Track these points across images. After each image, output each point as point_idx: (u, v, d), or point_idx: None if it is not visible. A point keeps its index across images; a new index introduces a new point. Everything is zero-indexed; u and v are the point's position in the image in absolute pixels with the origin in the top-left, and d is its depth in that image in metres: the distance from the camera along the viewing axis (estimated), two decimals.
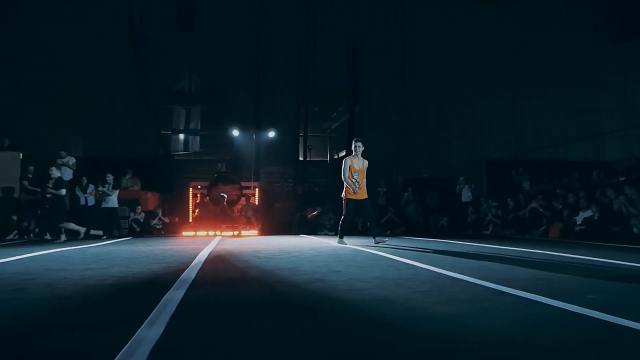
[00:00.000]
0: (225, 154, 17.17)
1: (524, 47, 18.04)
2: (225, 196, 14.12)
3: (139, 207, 13.73)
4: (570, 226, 11.34)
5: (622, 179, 12.32)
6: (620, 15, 18.52)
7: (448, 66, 17.60)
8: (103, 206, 12.09)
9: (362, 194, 8.48)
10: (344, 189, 8.53)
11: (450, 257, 6.27)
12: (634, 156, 13.51)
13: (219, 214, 13.82)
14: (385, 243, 8.42)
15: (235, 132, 16.60)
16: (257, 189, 15.18)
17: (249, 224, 13.62)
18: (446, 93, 17.73)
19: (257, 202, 14.82)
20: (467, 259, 5.95)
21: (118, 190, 12.32)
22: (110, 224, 12.22)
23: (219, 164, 15.37)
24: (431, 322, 2.53)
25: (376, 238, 8.48)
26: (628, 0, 18.46)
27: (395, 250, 7.31)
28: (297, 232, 13.66)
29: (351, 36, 17.03)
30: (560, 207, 12.30)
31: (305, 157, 17.54)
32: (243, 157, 16.63)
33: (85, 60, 15.99)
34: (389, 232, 13.53)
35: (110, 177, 12.06)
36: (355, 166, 8.42)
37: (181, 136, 17.56)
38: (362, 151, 8.48)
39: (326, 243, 9.30)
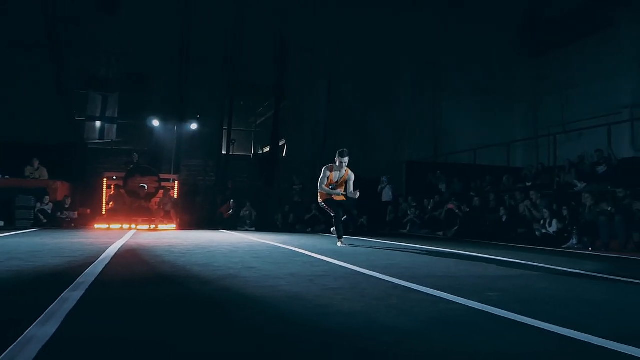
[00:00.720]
0: (144, 145, 16.46)
1: (445, 55, 18.80)
2: (146, 187, 13.60)
3: (47, 197, 12.90)
4: (480, 227, 11.93)
5: (528, 184, 13.13)
6: (534, 33, 19.89)
7: (373, 68, 17.97)
8: None
9: (340, 198, 7.91)
10: (318, 195, 7.99)
11: (366, 254, 6.39)
12: (540, 163, 14.47)
13: (134, 206, 13.28)
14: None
15: (156, 122, 15.94)
16: (177, 182, 14.73)
17: (167, 218, 13.19)
18: (371, 94, 18.09)
19: (176, 196, 14.38)
20: (381, 257, 6.08)
21: None
22: None
23: (134, 154, 14.72)
24: (338, 319, 2.55)
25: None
26: (541, 19, 19.85)
27: (314, 247, 7.35)
28: (217, 227, 13.41)
29: (279, 32, 16.93)
30: (468, 209, 12.90)
31: (228, 151, 17.24)
32: (163, 148, 16.02)
33: None
34: (309, 229, 13.62)
35: None
36: (333, 178, 7.79)
37: (97, 124, 16.65)
38: (348, 162, 7.74)
39: (245, 238, 9.19)
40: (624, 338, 2.23)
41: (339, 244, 7.74)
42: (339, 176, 7.80)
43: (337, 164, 7.70)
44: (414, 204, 14.72)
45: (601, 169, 11.64)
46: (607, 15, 16.88)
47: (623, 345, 2.11)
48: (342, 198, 7.82)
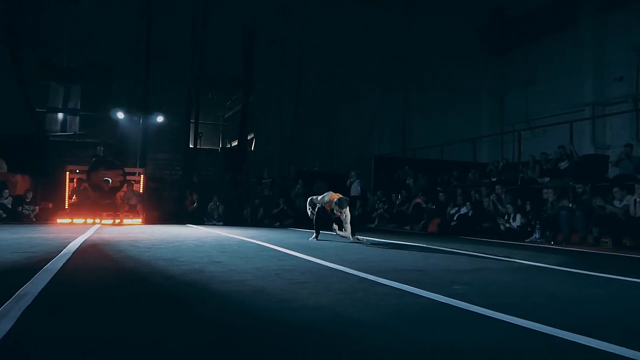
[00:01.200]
0: (109, 137, 16.06)
1: (413, 52, 18.94)
2: (110, 180, 13.28)
3: (6, 191, 12.46)
4: (447, 221, 12.10)
5: (493, 179, 13.37)
6: (499, 32, 20.29)
7: (342, 63, 17.98)
8: None
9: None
10: (309, 211, 8.12)
11: (333, 248, 6.39)
12: (505, 159, 14.75)
13: (98, 200, 12.96)
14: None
15: (120, 115, 15.56)
16: (142, 176, 14.44)
17: (132, 213, 12.93)
18: (340, 89, 18.10)
19: (142, 190, 14.11)
20: (350, 251, 6.09)
21: None
22: None
23: (98, 147, 14.35)
24: (303, 313, 2.53)
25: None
26: (505, 17, 20.25)
27: (281, 241, 7.32)
28: (184, 222, 13.21)
29: (246, 25, 16.74)
30: (434, 206, 13.06)
31: (195, 144, 17.00)
32: (128, 141, 15.66)
33: None
34: (277, 223, 13.56)
35: None
36: (329, 207, 7.78)
37: (58, 115, 16.16)
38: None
39: (212, 233, 9.08)
40: (581, 328, 2.28)
41: (312, 238, 7.82)
42: (335, 211, 7.78)
43: (337, 206, 7.66)
44: (383, 199, 14.82)
45: (563, 165, 11.93)
46: (569, 14, 17.30)
47: (577, 335, 2.16)
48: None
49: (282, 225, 13.29)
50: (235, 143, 18.43)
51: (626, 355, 1.92)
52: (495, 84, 20.59)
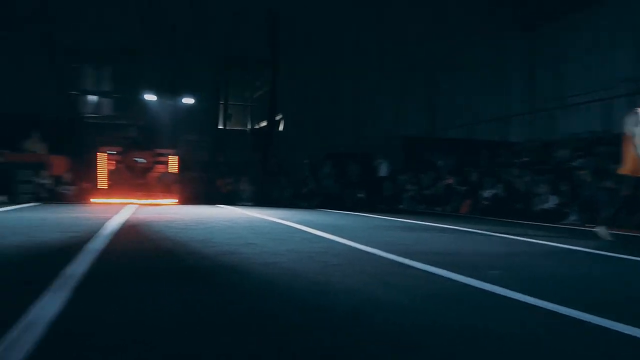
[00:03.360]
0: (140, 119, 16.34)
1: (439, 32, 18.53)
2: (144, 161, 13.56)
3: (46, 171, 12.87)
4: (478, 202, 11.98)
5: (526, 159, 13.14)
6: (529, 3, 19.64)
7: (370, 45, 17.74)
8: None
9: None
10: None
11: (363, 230, 6.43)
12: (538, 138, 14.46)
13: (132, 181, 13.26)
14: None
15: (151, 97, 15.77)
16: (174, 157, 14.66)
17: (166, 193, 13.19)
18: (366, 70, 17.87)
19: (174, 170, 14.35)
20: (380, 233, 6.12)
21: None
22: None
23: (133, 129, 14.63)
24: (334, 296, 2.57)
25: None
26: None
27: (312, 222, 7.38)
28: (215, 202, 13.41)
29: (272, 6, 16.67)
30: (465, 187, 12.93)
31: (225, 125, 17.16)
32: (159, 123, 15.88)
33: None
34: (306, 203, 13.66)
35: None
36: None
37: (91, 98, 16.51)
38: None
39: (243, 214, 9.22)
40: (589, 307, 2.25)
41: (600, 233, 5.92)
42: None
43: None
44: (413, 180, 14.75)
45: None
46: None
47: (585, 314, 2.15)
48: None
49: (310, 206, 13.37)
50: (263, 124, 18.52)
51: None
52: (526, 59, 20.01)
